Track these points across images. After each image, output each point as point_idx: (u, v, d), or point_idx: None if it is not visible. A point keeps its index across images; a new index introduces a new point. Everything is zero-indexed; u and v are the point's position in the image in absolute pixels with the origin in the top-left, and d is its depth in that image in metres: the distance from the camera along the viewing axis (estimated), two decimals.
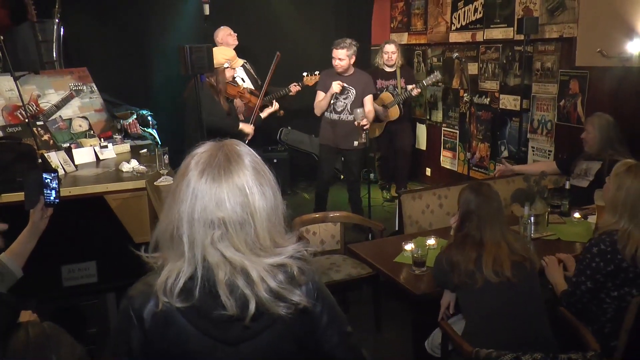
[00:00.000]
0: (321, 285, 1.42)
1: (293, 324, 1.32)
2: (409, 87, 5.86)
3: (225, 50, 4.77)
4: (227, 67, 4.66)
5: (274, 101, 5.28)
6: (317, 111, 5.16)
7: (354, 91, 5.02)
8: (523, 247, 2.51)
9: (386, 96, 5.94)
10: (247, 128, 4.78)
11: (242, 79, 5.15)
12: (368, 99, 5.10)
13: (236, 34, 5.63)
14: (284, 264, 1.31)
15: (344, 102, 5.04)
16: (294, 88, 5.45)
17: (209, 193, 1.25)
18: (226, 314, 1.25)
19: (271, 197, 1.31)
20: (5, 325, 1.11)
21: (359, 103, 5.02)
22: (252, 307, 1.25)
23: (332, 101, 5.04)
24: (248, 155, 1.33)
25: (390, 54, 5.90)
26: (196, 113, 4.02)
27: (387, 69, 5.99)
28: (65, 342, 1.17)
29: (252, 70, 5.70)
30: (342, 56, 4.91)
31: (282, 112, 5.37)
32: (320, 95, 5.11)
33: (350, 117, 5.00)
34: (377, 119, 5.75)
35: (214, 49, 4.72)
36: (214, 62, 4.51)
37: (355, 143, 5.01)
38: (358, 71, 5.11)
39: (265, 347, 1.32)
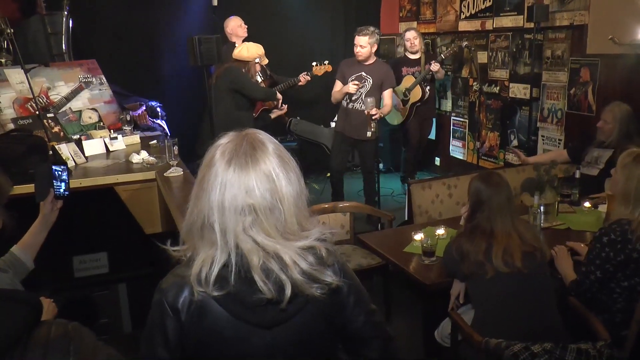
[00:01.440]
0: (346, 266, 1.46)
1: (324, 305, 1.36)
2: (431, 62, 5.84)
3: (258, 47, 4.90)
4: (257, 63, 4.79)
5: (285, 105, 5.43)
6: (332, 100, 5.17)
7: (371, 80, 4.95)
8: (534, 237, 2.49)
9: (408, 80, 5.95)
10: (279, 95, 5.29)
11: (259, 74, 5.19)
12: (387, 94, 5.02)
13: (246, 26, 5.61)
14: (312, 246, 1.34)
15: (359, 91, 4.97)
16: (304, 78, 5.44)
17: (238, 181, 1.28)
18: (265, 297, 1.27)
19: (296, 182, 1.35)
20: (27, 326, 1.11)
21: (374, 93, 4.95)
22: (289, 290, 1.28)
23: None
24: (271, 142, 1.36)
25: (412, 40, 5.90)
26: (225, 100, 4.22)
27: (412, 57, 6.00)
28: (88, 345, 1.17)
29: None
30: (364, 43, 4.83)
31: (284, 110, 5.58)
32: (337, 85, 5.08)
33: (363, 107, 4.92)
34: (402, 103, 5.93)
35: (249, 43, 4.86)
36: (248, 55, 4.79)
37: (369, 134, 4.90)
38: (379, 61, 5.06)
39: (298, 328, 1.35)
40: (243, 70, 4.80)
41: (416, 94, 5.92)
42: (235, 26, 5.55)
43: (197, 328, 1.32)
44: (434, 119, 6.54)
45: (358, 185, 5.70)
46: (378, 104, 4.93)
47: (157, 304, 1.35)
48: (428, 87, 5.99)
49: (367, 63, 4.95)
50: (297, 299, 1.31)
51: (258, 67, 4.94)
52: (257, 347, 1.34)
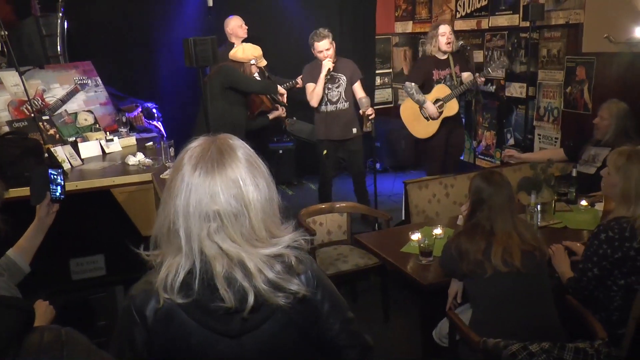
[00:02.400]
0: (320, 273, 1.44)
1: (294, 314, 1.33)
2: (475, 75, 5.10)
3: (255, 48, 4.80)
4: (253, 64, 4.72)
5: (283, 108, 5.24)
6: (314, 101, 4.99)
7: (344, 77, 4.98)
8: (533, 237, 2.49)
9: (442, 90, 5.17)
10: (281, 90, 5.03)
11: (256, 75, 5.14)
12: (358, 86, 5.02)
13: (247, 27, 5.56)
14: (281, 254, 1.32)
15: (337, 91, 5.00)
16: (301, 80, 5.40)
17: (203, 186, 1.26)
18: (224, 306, 1.25)
19: (265, 189, 1.33)
20: (19, 332, 1.10)
21: (350, 90, 4.99)
22: (251, 299, 1.26)
23: (325, 92, 4.97)
24: (241, 148, 1.34)
25: (448, 35, 5.12)
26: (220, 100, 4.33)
27: (441, 57, 5.20)
28: (81, 350, 1.16)
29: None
30: (327, 46, 4.84)
31: (283, 112, 5.38)
32: (310, 86, 5.01)
33: (347, 105, 4.98)
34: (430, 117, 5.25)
35: (246, 44, 4.78)
36: (243, 56, 4.67)
37: (354, 130, 4.99)
38: (341, 58, 5.05)
39: (267, 338, 1.33)
40: (238, 69, 4.77)
41: (452, 108, 5.18)
42: (235, 26, 5.51)
43: (164, 335, 1.31)
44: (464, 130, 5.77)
45: (350, 185, 5.69)
46: (351, 98, 4.98)
47: (125, 310, 1.34)
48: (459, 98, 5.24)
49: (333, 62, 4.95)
50: (262, 308, 1.29)
51: (255, 69, 4.89)
52: (224, 356, 1.32)
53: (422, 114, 5.26)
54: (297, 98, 5.96)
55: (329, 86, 4.98)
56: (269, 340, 1.34)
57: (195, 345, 1.31)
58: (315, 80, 4.95)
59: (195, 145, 1.33)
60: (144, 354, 1.34)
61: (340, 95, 5.01)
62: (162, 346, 1.33)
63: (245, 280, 1.26)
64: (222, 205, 1.26)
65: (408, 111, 5.34)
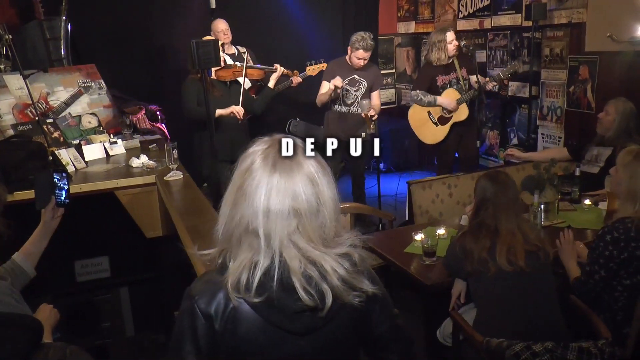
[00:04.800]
0: (372, 271, 1.45)
1: (357, 311, 1.34)
2: (483, 79, 4.93)
3: None
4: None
5: (275, 65, 4.90)
6: (319, 103, 5.05)
7: (365, 83, 4.98)
8: (537, 237, 2.49)
9: (451, 94, 5.03)
10: (228, 110, 4.45)
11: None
12: (376, 95, 5.05)
13: (229, 31, 5.32)
14: (347, 252, 1.33)
15: (355, 95, 4.99)
16: (295, 79, 5.11)
17: (284, 186, 1.27)
18: (305, 305, 1.26)
19: (334, 187, 1.35)
20: (27, 349, 1.11)
21: (366, 96, 4.99)
22: (329, 298, 1.27)
23: (342, 93, 4.96)
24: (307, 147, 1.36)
25: (455, 41, 4.98)
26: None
27: (445, 61, 5.02)
28: None
29: (251, 60, 5.51)
30: (368, 56, 4.85)
31: (296, 74, 4.98)
32: (324, 86, 5.00)
33: (359, 110, 4.97)
34: (442, 121, 5.10)
35: None
36: None
37: (363, 134, 4.96)
38: (370, 63, 5.04)
39: (330, 334, 1.34)
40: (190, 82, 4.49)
41: (462, 113, 5.05)
42: (216, 31, 5.31)
43: (232, 335, 1.31)
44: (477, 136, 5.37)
45: (349, 186, 5.68)
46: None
47: (188, 311, 1.32)
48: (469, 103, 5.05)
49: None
50: (333, 306, 1.29)
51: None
52: (289, 354, 1.33)
53: (430, 119, 5.15)
54: (301, 99, 5.95)
55: (348, 88, 4.96)
56: (331, 338, 1.35)
57: (263, 344, 1.31)
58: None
59: (267, 147, 1.32)
60: (209, 356, 1.33)
61: (356, 99, 4.99)
62: (231, 346, 1.32)
63: (321, 278, 1.27)
64: (303, 204, 1.27)
65: (415, 117, 5.21)
